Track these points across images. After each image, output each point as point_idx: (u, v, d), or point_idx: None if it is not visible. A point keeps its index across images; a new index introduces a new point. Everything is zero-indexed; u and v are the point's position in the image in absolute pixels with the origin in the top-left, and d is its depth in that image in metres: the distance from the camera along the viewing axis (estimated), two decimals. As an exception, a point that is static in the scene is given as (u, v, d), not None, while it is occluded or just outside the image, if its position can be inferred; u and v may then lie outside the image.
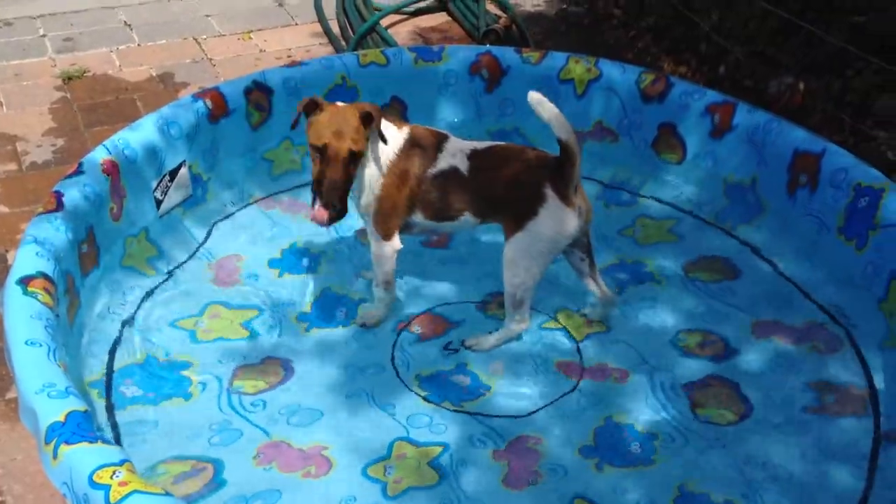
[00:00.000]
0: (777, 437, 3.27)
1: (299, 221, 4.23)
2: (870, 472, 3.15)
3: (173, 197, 4.03)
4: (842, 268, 3.83)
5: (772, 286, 3.95)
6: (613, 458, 3.19)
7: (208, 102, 4.16)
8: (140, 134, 3.91)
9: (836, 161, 3.91)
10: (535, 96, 3.21)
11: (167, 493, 2.47)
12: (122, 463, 2.50)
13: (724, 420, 3.33)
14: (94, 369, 3.39)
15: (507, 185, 3.41)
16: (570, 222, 3.36)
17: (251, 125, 4.34)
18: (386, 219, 3.49)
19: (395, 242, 3.55)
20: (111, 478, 2.44)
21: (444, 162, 3.47)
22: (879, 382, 3.44)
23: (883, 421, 3.30)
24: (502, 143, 3.63)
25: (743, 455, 3.21)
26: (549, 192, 3.33)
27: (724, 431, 3.29)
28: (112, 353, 3.48)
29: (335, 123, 3.23)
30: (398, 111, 4.66)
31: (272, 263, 4.00)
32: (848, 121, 4.71)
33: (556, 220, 3.35)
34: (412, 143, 3.47)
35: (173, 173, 4.00)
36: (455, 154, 3.47)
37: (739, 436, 3.27)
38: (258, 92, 4.33)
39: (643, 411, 3.36)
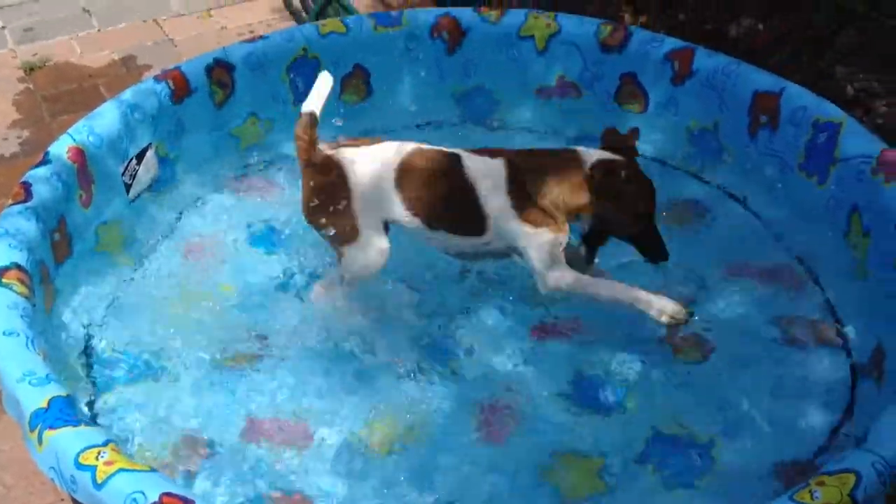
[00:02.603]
0: (748, 374, 3.35)
1: (272, 201, 4.25)
2: (846, 403, 3.24)
3: (142, 180, 4.05)
4: (805, 204, 3.88)
5: (740, 229, 4.02)
6: (588, 406, 3.28)
7: (170, 83, 4.16)
8: (103, 120, 3.91)
9: (795, 99, 3.94)
10: None
11: (153, 470, 2.53)
12: (106, 443, 2.55)
13: (694, 359, 3.42)
14: (73, 358, 3.43)
15: None
16: None
17: (215, 103, 4.34)
18: None
19: None
20: (97, 458, 2.50)
21: None
22: (846, 316, 3.52)
23: (854, 354, 3.39)
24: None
25: (717, 393, 3.30)
26: None
27: (695, 371, 3.38)
28: (90, 340, 3.53)
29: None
30: (362, 79, 4.67)
31: (248, 242, 4.01)
32: (808, 59, 4.75)
33: None
34: None
35: (140, 156, 4.01)
36: None
37: (711, 374, 3.36)
38: (220, 69, 4.33)
39: (613, 361, 3.42)
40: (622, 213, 3.31)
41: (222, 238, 4.03)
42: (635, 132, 3.57)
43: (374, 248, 3.43)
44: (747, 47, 4.93)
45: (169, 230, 4.08)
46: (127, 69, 5.43)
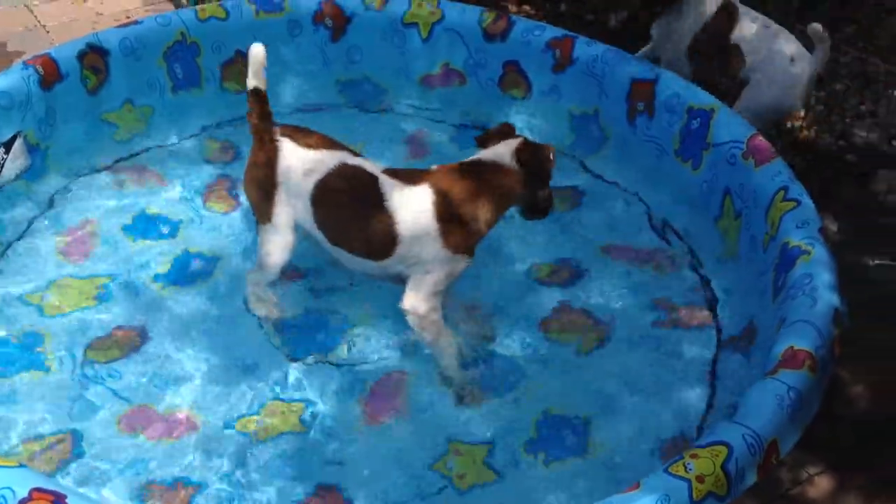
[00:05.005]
0: (628, 355, 3.44)
1: (149, 187, 4.14)
2: (712, 377, 3.36)
3: (10, 168, 3.89)
4: (681, 188, 4.01)
5: (618, 213, 4.10)
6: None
7: (39, 69, 4.01)
8: (-32, 106, 3.75)
9: (669, 87, 4.09)
10: None
11: (21, 465, 2.44)
12: (-29, 440, 2.44)
13: (580, 342, 3.49)
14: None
15: None
16: None
17: (88, 89, 4.19)
18: None
19: None
20: (-39, 456, 2.39)
21: None
22: (718, 294, 3.65)
23: (723, 328, 3.51)
24: None
25: (599, 375, 3.37)
26: None
27: (577, 354, 3.44)
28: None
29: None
30: (244, 65, 4.56)
31: (126, 230, 3.90)
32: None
33: None
34: None
35: (7, 144, 3.86)
36: None
37: (593, 357, 3.43)
38: (93, 54, 4.19)
39: (503, 345, 3.47)
40: (545, 180, 3.33)
41: (97, 227, 3.90)
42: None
43: (279, 240, 3.37)
44: (627, 37, 5.04)
45: (40, 220, 3.92)
46: (-4, 55, 5.20)
